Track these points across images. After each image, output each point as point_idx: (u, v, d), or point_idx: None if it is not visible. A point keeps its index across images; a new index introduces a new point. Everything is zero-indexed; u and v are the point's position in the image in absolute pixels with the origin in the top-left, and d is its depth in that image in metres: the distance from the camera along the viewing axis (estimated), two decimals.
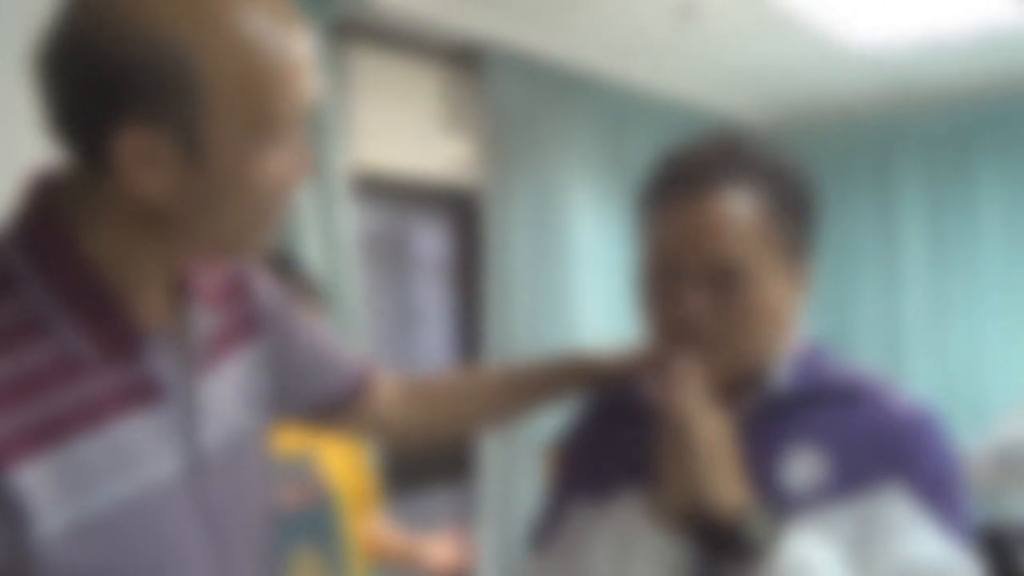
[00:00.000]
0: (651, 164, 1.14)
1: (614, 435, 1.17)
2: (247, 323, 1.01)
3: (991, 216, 4.22)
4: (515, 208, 3.23)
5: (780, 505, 1.03)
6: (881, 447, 1.04)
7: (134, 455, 0.81)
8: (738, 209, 1.05)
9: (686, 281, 1.06)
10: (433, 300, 3.44)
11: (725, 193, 1.05)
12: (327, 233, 2.61)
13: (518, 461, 3.19)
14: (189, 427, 0.87)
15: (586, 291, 3.53)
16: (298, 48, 0.82)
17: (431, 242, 3.43)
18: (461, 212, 3.39)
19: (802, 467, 1.05)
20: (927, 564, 0.99)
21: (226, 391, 0.94)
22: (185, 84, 0.76)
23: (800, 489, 1.04)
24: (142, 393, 0.83)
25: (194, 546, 0.86)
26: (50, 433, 0.76)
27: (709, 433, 1.03)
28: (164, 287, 0.88)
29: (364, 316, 2.73)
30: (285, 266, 1.86)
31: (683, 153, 1.12)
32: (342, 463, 1.96)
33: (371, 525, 2.05)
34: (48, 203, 0.82)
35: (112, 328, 0.81)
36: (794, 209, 1.09)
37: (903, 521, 1.01)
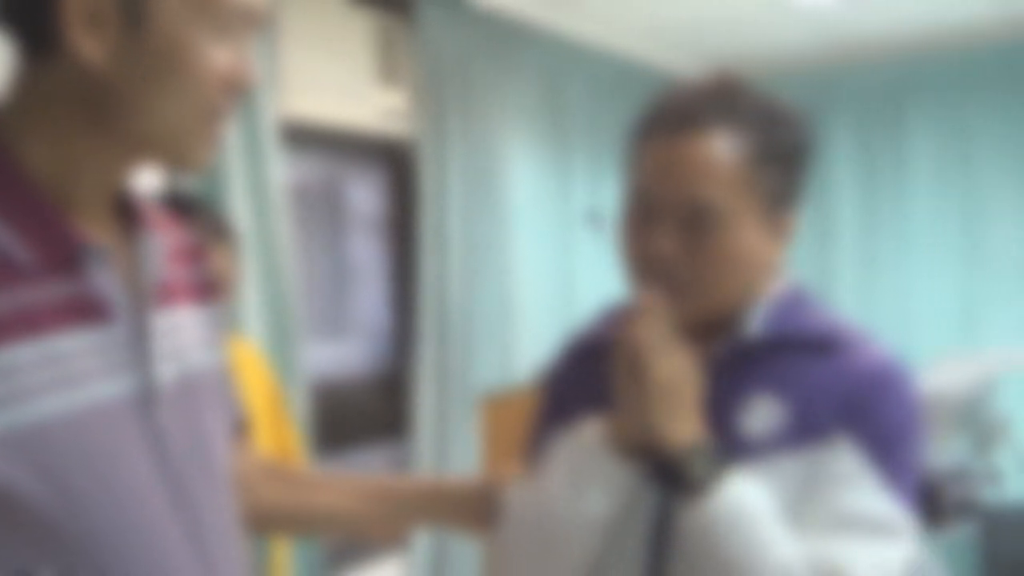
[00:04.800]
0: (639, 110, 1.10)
1: (587, 370, 1.18)
2: (203, 289, 1.00)
3: (921, 171, 4.29)
4: (450, 160, 3.17)
5: (734, 450, 1.05)
6: (840, 400, 1.05)
7: (76, 371, 0.80)
8: (721, 150, 1.04)
9: (660, 220, 1.05)
10: (367, 254, 3.38)
11: (710, 133, 1.04)
12: (255, 185, 2.53)
13: (453, 416, 3.17)
14: (139, 354, 0.85)
15: (522, 244, 3.50)
16: None
17: (365, 195, 3.36)
18: (395, 164, 3.32)
19: (761, 414, 1.06)
20: (862, 516, 1.01)
21: (182, 332, 0.92)
22: None
23: (756, 436, 1.05)
24: (86, 309, 0.82)
25: (145, 477, 0.84)
26: None
27: (667, 368, 1.04)
28: (107, 202, 0.88)
29: (295, 272, 2.66)
30: (190, 205, 1.77)
31: (677, 89, 1.10)
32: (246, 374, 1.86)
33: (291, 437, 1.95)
34: None
35: (53, 237, 0.80)
36: (783, 158, 1.07)
37: (848, 473, 1.02)
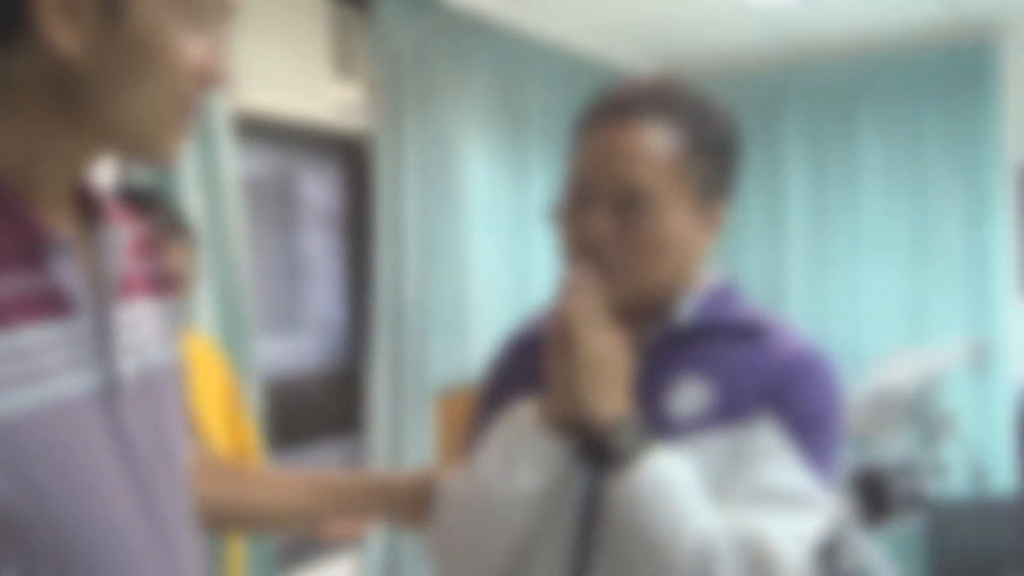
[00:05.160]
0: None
1: (525, 362, 1.21)
2: (159, 282, 0.99)
3: (872, 170, 4.36)
4: (406, 155, 3.15)
5: (663, 429, 1.10)
6: (764, 382, 1.10)
7: (41, 366, 0.77)
8: (654, 139, 1.10)
9: (594, 204, 1.11)
10: (321, 249, 3.35)
11: (644, 123, 1.11)
12: (208, 178, 2.50)
13: (409, 411, 3.16)
14: (102, 348, 0.83)
15: (478, 240, 3.49)
16: None
17: (319, 189, 3.34)
18: (350, 158, 3.30)
19: (689, 396, 1.11)
20: (781, 489, 1.06)
21: (141, 325, 0.91)
22: None
23: (683, 416, 1.11)
24: (50, 302, 0.79)
25: (110, 473, 0.82)
26: None
27: (596, 343, 1.08)
28: (69, 194, 0.86)
29: (248, 267, 2.63)
30: (148, 200, 1.75)
31: (616, 86, 1.17)
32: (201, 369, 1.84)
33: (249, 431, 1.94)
34: None
35: (16, 228, 0.78)
36: (713, 151, 1.14)
37: (769, 451, 1.08)
